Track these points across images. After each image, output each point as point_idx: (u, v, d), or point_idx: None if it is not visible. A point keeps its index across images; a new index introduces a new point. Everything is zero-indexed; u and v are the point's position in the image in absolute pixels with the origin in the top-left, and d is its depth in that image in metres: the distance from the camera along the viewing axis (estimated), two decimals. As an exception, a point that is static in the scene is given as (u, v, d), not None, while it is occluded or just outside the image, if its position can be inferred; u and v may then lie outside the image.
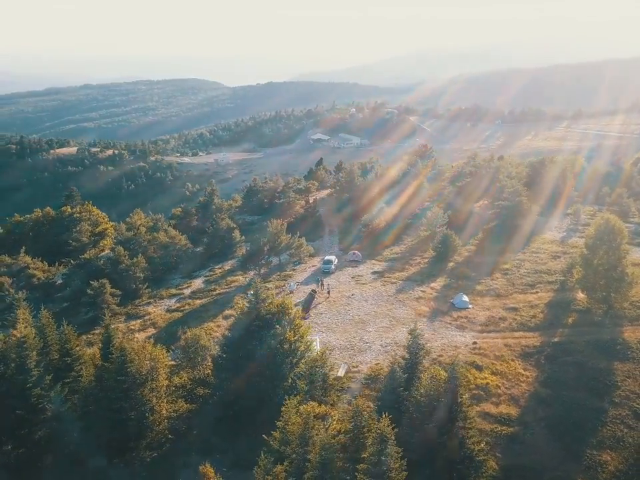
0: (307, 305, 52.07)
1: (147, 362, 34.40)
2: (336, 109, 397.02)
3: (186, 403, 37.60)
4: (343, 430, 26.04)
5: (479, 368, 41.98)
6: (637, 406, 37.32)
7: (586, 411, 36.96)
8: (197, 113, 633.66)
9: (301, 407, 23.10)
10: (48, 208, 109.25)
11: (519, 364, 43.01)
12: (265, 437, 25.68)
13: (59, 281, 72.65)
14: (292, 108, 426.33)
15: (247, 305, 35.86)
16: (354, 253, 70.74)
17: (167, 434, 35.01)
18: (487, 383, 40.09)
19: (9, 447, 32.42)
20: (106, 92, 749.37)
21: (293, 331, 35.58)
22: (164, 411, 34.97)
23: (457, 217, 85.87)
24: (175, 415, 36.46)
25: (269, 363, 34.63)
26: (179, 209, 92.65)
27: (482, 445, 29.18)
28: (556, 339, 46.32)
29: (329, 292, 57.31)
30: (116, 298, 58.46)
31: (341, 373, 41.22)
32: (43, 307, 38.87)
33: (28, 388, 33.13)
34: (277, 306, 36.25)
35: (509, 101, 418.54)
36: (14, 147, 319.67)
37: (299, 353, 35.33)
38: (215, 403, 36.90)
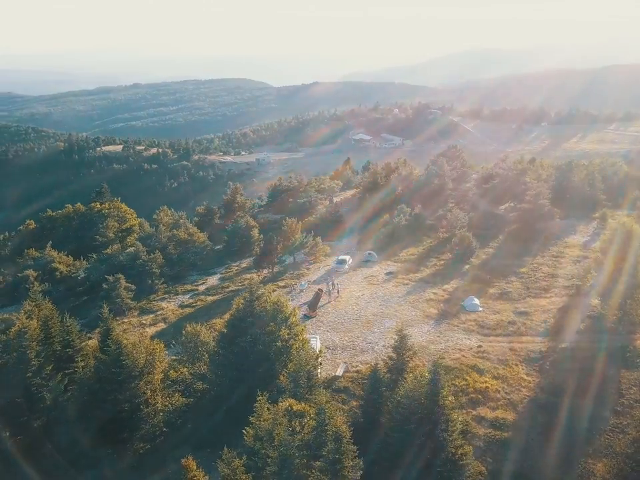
0: (314, 304, 52.19)
1: (143, 355, 35.09)
2: (379, 108, 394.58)
3: (184, 397, 38.23)
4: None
5: (480, 371, 41.45)
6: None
7: (585, 419, 36.09)
8: (242, 113, 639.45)
9: (278, 404, 23.21)
10: (78, 204, 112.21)
11: (523, 369, 42.28)
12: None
13: (82, 275, 74.58)
14: (335, 108, 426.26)
15: (242, 301, 36.24)
16: (369, 253, 70.59)
17: (162, 427, 35.66)
18: (487, 387, 39.54)
19: (7, 434, 33.42)
20: (154, 91, 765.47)
21: (287, 329, 35.81)
22: (159, 404, 35.62)
23: (479, 219, 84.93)
24: (171, 408, 37.14)
25: (261, 360, 34.96)
26: (202, 207, 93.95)
27: (465, 448, 28.79)
28: (564, 345, 45.34)
29: (338, 291, 57.35)
30: (130, 292, 59.67)
31: (339, 372, 41.25)
32: (47, 299, 39.84)
33: (28, 377, 34.26)
34: (272, 304, 36.52)
35: (557, 102, 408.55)
36: (62, 144, 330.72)
37: (293, 351, 35.50)
38: (210, 398, 37.37)
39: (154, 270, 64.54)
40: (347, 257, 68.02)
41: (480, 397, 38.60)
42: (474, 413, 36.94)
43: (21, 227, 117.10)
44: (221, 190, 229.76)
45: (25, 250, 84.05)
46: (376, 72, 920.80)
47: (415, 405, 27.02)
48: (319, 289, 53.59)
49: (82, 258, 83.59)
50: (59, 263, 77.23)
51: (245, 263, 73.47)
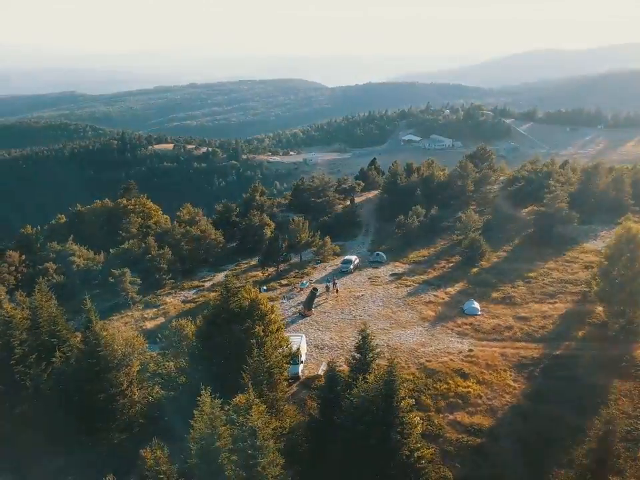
0: (309, 303, 52.24)
1: (121, 348, 35.81)
2: (430, 109, 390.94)
3: (165, 390, 38.78)
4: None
5: (465, 376, 40.72)
6: (625, 427, 35.00)
7: (565, 428, 35.05)
8: (295, 113, 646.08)
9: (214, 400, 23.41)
10: (106, 199, 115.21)
11: (510, 375, 41.34)
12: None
13: (98, 269, 76.37)
14: (386, 108, 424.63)
15: (218, 297, 36.59)
16: (377, 254, 70.20)
17: (138, 418, 36.33)
18: (468, 392, 38.82)
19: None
20: (210, 91, 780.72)
21: (263, 326, 35.93)
22: (135, 396, 36.29)
23: (497, 222, 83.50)
24: (151, 400, 37.81)
25: (235, 356, 35.16)
26: (221, 205, 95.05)
27: (424, 452, 28.39)
28: (558, 352, 44.17)
29: (337, 291, 57.31)
30: (135, 286, 60.89)
31: (320, 371, 41.27)
32: (37, 290, 40.94)
33: (11, 365, 35.41)
34: (250, 300, 36.72)
35: (615, 105, 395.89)
36: (116, 142, 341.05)
37: (268, 348, 35.59)
38: (187, 391, 37.79)
39: (162, 265, 65.70)
40: (353, 257, 67.80)
41: (460, 401, 37.95)
42: (450, 417, 36.38)
43: (53, 221, 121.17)
44: (268, 189, 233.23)
45: (48, 243, 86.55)
46: (431, 73, 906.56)
47: (367, 405, 26.79)
48: (313, 288, 53.60)
49: (102, 252, 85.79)
50: (78, 256, 79.24)
51: (255, 260, 74.09)
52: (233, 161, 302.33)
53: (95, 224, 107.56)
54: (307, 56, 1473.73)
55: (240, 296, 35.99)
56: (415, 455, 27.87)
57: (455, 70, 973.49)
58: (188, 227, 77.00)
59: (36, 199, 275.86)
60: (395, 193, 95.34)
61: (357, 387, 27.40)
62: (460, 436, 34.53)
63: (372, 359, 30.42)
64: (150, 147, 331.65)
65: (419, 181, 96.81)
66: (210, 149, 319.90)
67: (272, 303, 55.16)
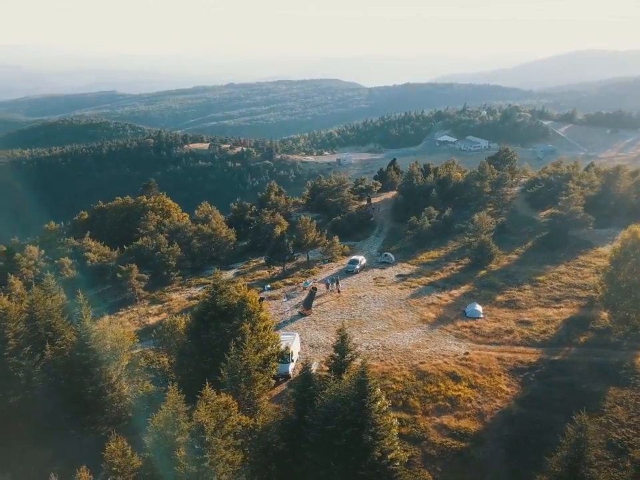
0: (308, 302, 52.23)
1: (110, 342, 36.34)
2: (467, 110, 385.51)
3: (155, 385, 39.20)
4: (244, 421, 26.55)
5: (457, 379, 40.23)
6: (615, 436, 34.20)
7: (553, 435, 34.19)
8: (331, 113, 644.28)
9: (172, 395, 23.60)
10: (127, 197, 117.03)
11: (504, 379, 40.69)
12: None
13: (111, 264, 77.65)
14: (422, 109, 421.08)
15: (207, 294, 36.88)
16: (386, 255, 69.80)
17: (127, 412, 36.80)
18: (459, 395, 38.35)
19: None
20: (248, 91, 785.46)
21: (250, 324, 36.09)
22: (124, 390, 36.78)
23: (513, 224, 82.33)
24: (141, 393, 38.24)
25: (222, 352, 35.38)
26: (236, 204, 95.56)
27: (399, 454, 28.17)
28: (557, 357, 43.28)
29: (338, 290, 57.21)
30: (142, 282, 61.71)
31: (312, 370, 41.16)
32: (35, 285, 41.81)
33: (5, 356, 36.23)
34: (239, 298, 36.92)
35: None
36: (152, 141, 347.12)
37: (247, 346, 35.76)
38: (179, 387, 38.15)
39: (170, 262, 66.46)
40: (360, 258, 67.52)
41: (448, 404, 37.51)
42: (437, 420, 35.97)
43: (76, 217, 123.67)
44: (300, 189, 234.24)
45: (65, 238, 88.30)
46: (470, 74, 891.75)
47: (337, 405, 26.68)
48: (312, 288, 53.58)
49: (118, 248, 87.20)
50: (94, 252, 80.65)
51: (263, 259, 74.36)
52: (267, 161, 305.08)
53: (115, 220, 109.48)
54: (343, 56, 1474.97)
55: (228, 294, 36.12)
56: (388, 456, 27.66)
57: (495, 71, 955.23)
58: (200, 225, 77.68)
59: (71, 196, 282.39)
60: (410, 193, 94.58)
61: (329, 386, 27.30)
62: (444, 440, 34.12)
63: (350, 358, 30.24)
64: (185, 146, 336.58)
65: (435, 182, 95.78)
66: (244, 149, 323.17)
67: (273, 301, 55.97)
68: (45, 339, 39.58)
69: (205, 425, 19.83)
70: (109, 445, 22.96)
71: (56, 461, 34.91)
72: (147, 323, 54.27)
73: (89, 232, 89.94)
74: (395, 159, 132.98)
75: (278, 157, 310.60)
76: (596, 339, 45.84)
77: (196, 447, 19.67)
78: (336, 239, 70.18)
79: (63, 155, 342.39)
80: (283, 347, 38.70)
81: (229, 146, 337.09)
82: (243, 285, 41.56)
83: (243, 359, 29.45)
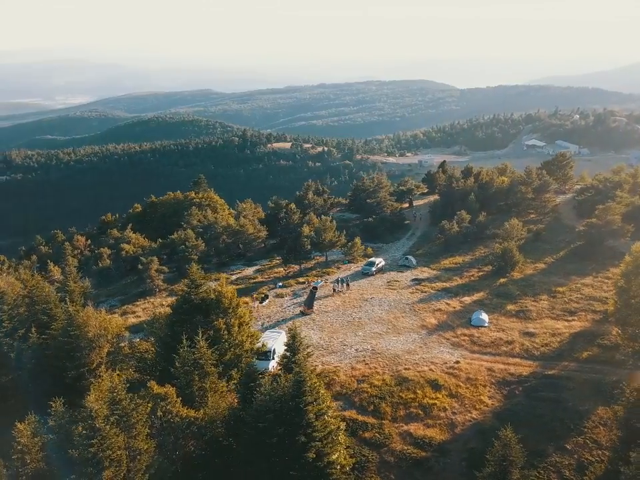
0: (309, 301, 52.40)
1: (93, 329, 37.94)
2: (558, 114, 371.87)
3: (140, 374, 40.61)
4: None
5: (437, 387, 39.28)
6: (589, 458, 32.48)
7: (523, 453, 32.95)
8: (420, 114, 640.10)
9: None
10: (178, 192, 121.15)
11: (489, 391, 39.38)
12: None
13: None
14: (512, 112, 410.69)
15: (184, 288, 37.84)
16: (407, 258, 68.88)
17: (107, 397, 38.32)
18: (434, 404, 37.43)
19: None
20: (338, 91, 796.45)
21: (224, 320, 36.75)
22: (104, 376, 38.27)
23: (551, 232, 79.36)
24: (125, 381, 39.71)
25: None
26: (273, 201, 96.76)
27: (337, 457, 28.01)
28: (551, 372, 41.43)
29: (342, 292, 57.07)
30: (161, 274, 63.79)
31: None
32: (34, 272, 44.20)
33: (-1, 337, 38.62)
34: (216, 293, 37.66)
35: None
36: (237, 139, 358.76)
37: (227, 342, 36.42)
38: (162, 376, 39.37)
39: (192, 256, 68.33)
40: (378, 260, 66.91)
41: (421, 412, 36.71)
42: (405, 427, 35.29)
43: (130, 210, 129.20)
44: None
45: (109, 230, 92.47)
46: (569, 76, 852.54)
47: (271, 404, 26.84)
48: (313, 287, 53.66)
49: (157, 241, 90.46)
50: (132, 244, 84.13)
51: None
52: (347, 161, 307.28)
53: (164, 215, 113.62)
54: (436, 58, 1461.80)
55: (204, 289, 36.95)
56: (325, 459, 27.55)
57: (596, 73, 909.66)
58: (229, 222, 79.38)
59: (157, 189, 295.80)
60: (449, 196, 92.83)
61: (263, 384, 27.56)
62: (406, 447, 33.46)
63: (301, 358, 30.26)
64: (269, 145, 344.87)
65: (476, 185, 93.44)
66: (325, 149, 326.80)
67: (280, 299, 56.58)
68: (43, 322, 41.88)
69: (93, 412, 20.59)
70: (18, 425, 24.01)
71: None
72: (157, 313, 56.00)
73: (130, 224, 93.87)
74: (444, 162, 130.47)
75: (358, 157, 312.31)
76: (600, 356, 43.58)
77: (83, 432, 20.44)
78: (357, 240, 69.89)
79: (152, 151, 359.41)
80: (270, 345, 39.32)
81: (310, 145, 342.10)
82: (226, 280, 42.13)
83: (195, 352, 30.06)
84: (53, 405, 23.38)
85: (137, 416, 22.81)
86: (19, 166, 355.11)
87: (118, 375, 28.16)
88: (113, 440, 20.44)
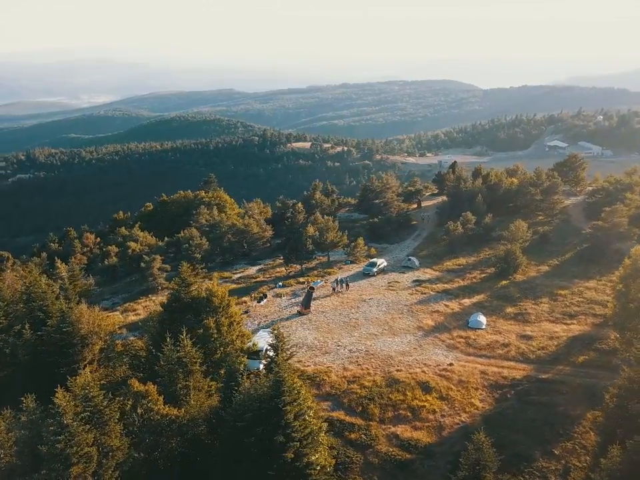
0: (306, 301, 52.46)
1: (86, 326, 38.41)
2: (582, 115, 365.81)
3: (134, 371, 41.01)
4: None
5: (428, 389, 39.13)
6: (576, 463, 32.15)
7: (510, 456, 32.72)
8: (443, 115, 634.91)
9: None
10: (188, 191, 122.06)
11: (480, 394, 39.12)
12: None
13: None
14: (535, 113, 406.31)
15: (175, 287, 38.16)
16: (409, 259, 68.61)
17: (100, 393, 38.77)
18: (423, 406, 37.31)
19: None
20: (360, 91, 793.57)
21: (215, 319, 36.99)
22: (97, 372, 38.73)
23: (558, 234, 78.53)
24: (119, 379, 40.15)
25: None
26: (280, 201, 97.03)
27: (317, 458, 28.04)
28: (545, 376, 41.04)
29: (341, 292, 57.03)
30: (164, 273, 64.31)
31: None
32: (41, 269, 44.84)
33: (-6, 333, 39.21)
34: (207, 292, 37.91)
35: None
36: (257, 138, 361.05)
37: (217, 341, 36.68)
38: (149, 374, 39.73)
39: (195, 255, 68.76)
40: (380, 261, 66.72)
41: (409, 414, 36.61)
42: (392, 429, 35.22)
43: (142, 208, 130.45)
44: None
45: (117, 228, 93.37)
46: (594, 77, 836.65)
47: (249, 403, 26.97)
48: (310, 287, 53.72)
49: (165, 238, 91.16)
50: (139, 242, 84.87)
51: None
52: (366, 161, 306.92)
53: (175, 213, 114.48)
54: (454, 58, 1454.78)
55: (193, 288, 37.21)
56: (305, 460, 27.60)
57: (623, 74, 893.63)
58: (234, 221, 79.75)
59: (172, 189, 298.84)
60: (457, 197, 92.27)
61: (242, 384, 27.73)
62: (391, 449, 33.39)
63: (284, 358, 30.35)
64: (288, 145, 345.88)
65: (485, 186, 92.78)
66: (345, 148, 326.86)
67: (278, 298, 56.75)
68: (36, 319, 42.44)
69: (60, 408, 20.87)
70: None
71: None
72: (156, 311, 56.52)
73: (139, 223, 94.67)
74: (455, 162, 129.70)
75: (378, 157, 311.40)
76: (596, 360, 43.05)
77: (50, 428, 20.73)
78: (360, 240, 69.78)
79: (173, 150, 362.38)
80: (261, 345, 39.57)
81: (329, 145, 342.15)
82: (218, 279, 42.36)
83: (179, 350, 30.32)
84: (24, 401, 23.67)
85: (110, 413, 23.06)
86: (42, 164, 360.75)
87: (99, 372, 28.39)
88: (82, 436, 20.70)
